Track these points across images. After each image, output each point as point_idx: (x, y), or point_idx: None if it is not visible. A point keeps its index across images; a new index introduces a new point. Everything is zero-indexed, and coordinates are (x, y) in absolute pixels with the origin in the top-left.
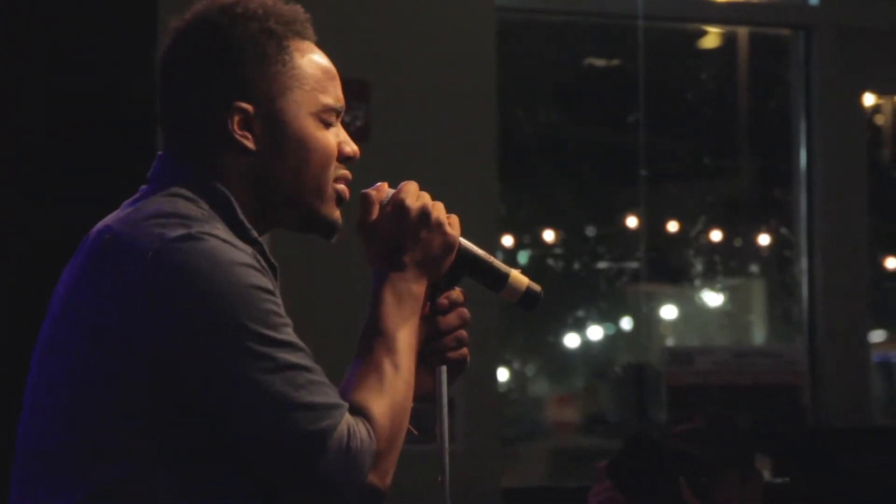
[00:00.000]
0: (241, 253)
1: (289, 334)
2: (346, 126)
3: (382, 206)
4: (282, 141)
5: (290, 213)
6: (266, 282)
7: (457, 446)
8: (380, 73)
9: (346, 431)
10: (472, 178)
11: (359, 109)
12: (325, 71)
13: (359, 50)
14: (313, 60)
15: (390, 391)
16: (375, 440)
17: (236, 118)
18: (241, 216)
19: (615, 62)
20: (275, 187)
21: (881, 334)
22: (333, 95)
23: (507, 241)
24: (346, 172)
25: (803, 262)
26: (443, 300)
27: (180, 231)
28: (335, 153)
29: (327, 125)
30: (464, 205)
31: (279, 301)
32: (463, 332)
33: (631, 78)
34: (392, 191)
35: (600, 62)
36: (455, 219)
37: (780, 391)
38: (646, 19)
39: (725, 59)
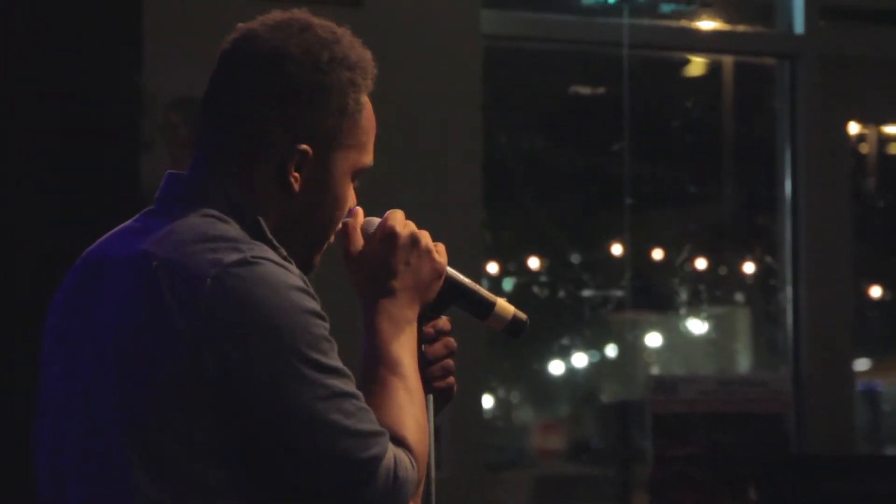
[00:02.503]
0: (294, 277)
1: (336, 359)
2: None
3: (369, 234)
4: (322, 192)
5: (295, 252)
6: (317, 306)
7: (442, 473)
8: None
9: (392, 460)
10: (458, 206)
11: None
12: (374, 129)
13: None
14: (371, 118)
15: (413, 414)
16: (417, 468)
17: (296, 159)
18: (272, 239)
19: (600, 90)
20: (297, 229)
21: (865, 363)
22: (372, 155)
23: (492, 268)
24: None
25: (788, 291)
26: (429, 329)
27: (235, 256)
28: (347, 210)
29: (355, 182)
30: (449, 232)
31: (328, 325)
32: (449, 362)
33: (616, 106)
34: (372, 218)
35: (585, 90)
36: (442, 247)
37: (764, 419)
38: (631, 48)
39: (710, 88)
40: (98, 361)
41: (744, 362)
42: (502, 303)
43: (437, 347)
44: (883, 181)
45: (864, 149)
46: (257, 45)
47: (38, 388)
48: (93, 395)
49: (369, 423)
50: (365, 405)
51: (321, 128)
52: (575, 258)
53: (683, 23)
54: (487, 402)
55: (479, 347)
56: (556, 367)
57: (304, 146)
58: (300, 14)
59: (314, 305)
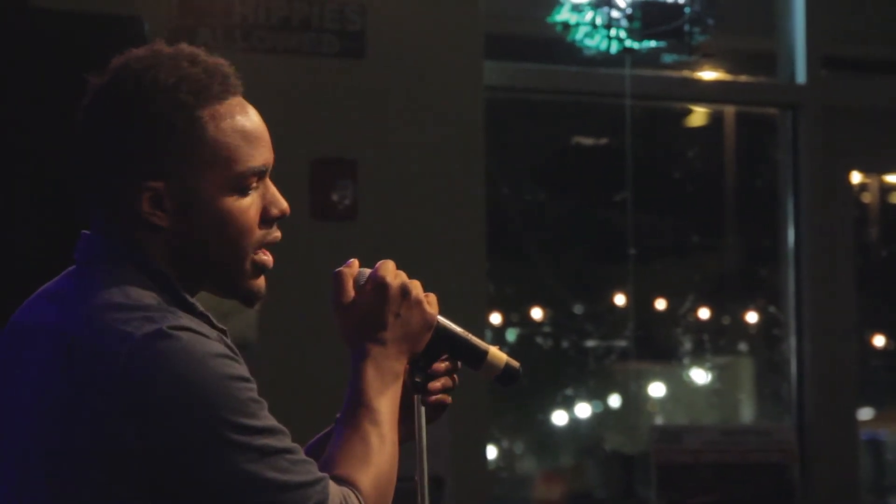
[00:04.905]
0: (212, 343)
1: (267, 418)
2: (333, 205)
3: (360, 285)
4: (194, 216)
5: (210, 284)
6: (240, 368)
7: None
8: (368, 151)
9: (340, 498)
10: (461, 256)
11: (347, 188)
12: (243, 135)
13: (347, 128)
14: (230, 126)
15: (377, 463)
16: None
17: (145, 196)
18: (183, 293)
19: (603, 141)
20: (192, 261)
21: (869, 412)
22: (253, 159)
23: (496, 319)
24: (275, 235)
25: (791, 341)
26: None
27: (147, 327)
28: (253, 223)
29: (245, 192)
30: (452, 283)
31: (254, 385)
32: (448, 380)
33: (618, 156)
34: (365, 269)
35: (588, 141)
36: (433, 297)
37: (769, 469)
38: (633, 98)
39: (713, 138)
40: (23, 437)
41: (747, 412)
42: (494, 351)
43: (440, 365)
44: (886, 231)
45: (867, 198)
46: (87, 98)
47: None
48: (20, 469)
49: (306, 474)
50: (301, 457)
51: (158, 158)
52: (578, 309)
53: (685, 73)
54: (491, 452)
55: (482, 398)
56: (559, 418)
57: (149, 182)
58: (129, 53)
59: (235, 370)
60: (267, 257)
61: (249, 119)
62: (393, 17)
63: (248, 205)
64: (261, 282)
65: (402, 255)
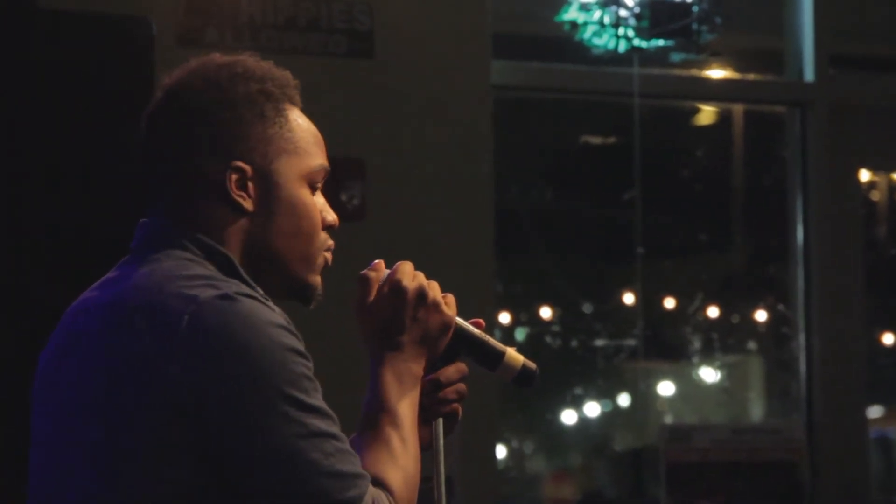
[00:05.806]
0: (275, 314)
1: (318, 399)
2: (342, 205)
3: (378, 287)
4: (275, 203)
5: (276, 276)
6: (299, 344)
7: None
8: (376, 151)
9: (371, 502)
10: (469, 256)
11: (355, 188)
12: (314, 135)
13: (354, 128)
14: (304, 124)
15: (403, 465)
16: None
17: (234, 177)
18: (245, 275)
19: (611, 139)
20: (266, 249)
21: (878, 410)
22: (322, 158)
23: (504, 318)
24: (330, 242)
25: (801, 339)
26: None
27: (211, 291)
28: (320, 221)
29: (314, 189)
30: (461, 282)
31: (310, 363)
32: (462, 386)
33: (627, 155)
34: (388, 271)
35: (596, 139)
36: (451, 298)
37: (778, 468)
38: (641, 97)
39: (721, 136)
40: (80, 406)
41: (757, 411)
42: (511, 353)
43: (451, 371)
44: (894, 228)
45: (875, 196)
46: (162, 93)
47: (31, 426)
48: (74, 438)
49: (349, 465)
50: (347, 447)
51: (247, 141)
52: (587, 308)
53: (693, 72)
54: (500, 452)
55: (491, 398)
56: (568, 417)
57: (238, 163)
58: (207, 55)
59: (295, 343)
60: (328, 255)
61: (313, 126)
62: (401, 17)
63: (315, 203)
64: (320, 280)
65: (411, 254)
